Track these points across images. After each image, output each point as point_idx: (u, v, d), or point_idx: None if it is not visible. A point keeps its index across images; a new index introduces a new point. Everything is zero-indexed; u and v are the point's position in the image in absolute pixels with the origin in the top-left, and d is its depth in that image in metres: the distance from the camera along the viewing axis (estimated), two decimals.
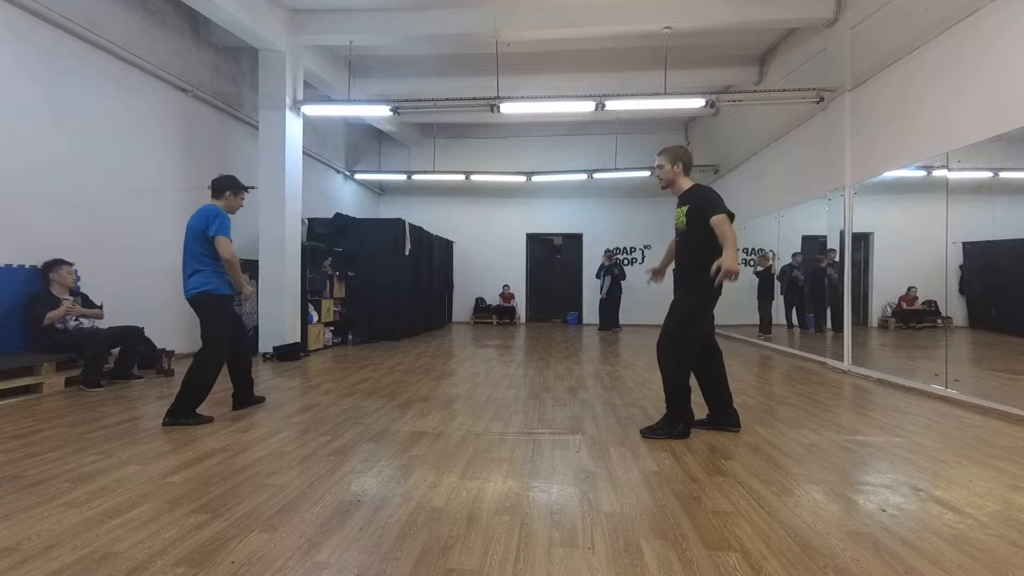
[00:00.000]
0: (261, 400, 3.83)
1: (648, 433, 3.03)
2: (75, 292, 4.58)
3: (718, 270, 2.70)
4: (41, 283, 4.37)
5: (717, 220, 2.82)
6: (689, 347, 3.00)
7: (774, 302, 8.00)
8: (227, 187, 3.47)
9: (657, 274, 3.45)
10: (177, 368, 5.15)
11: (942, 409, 3.83)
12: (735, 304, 9.56)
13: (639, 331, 10.14)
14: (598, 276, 10.54)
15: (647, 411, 3.68)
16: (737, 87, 8.45)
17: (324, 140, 9.79)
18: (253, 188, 6.56)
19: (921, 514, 2.05)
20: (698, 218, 2.92)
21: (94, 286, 4.85)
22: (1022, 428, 3.31)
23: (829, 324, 6.37)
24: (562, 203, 11.97)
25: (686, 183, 3.10)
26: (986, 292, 5.13)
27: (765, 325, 8.08)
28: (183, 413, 3.23)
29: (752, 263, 8.88)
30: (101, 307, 4.66)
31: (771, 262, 7.88)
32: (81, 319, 4.46)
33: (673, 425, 3.03)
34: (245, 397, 3.70)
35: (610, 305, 10.36)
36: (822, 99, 6.12)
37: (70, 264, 4.47)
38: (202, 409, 3.37)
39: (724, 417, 3.21)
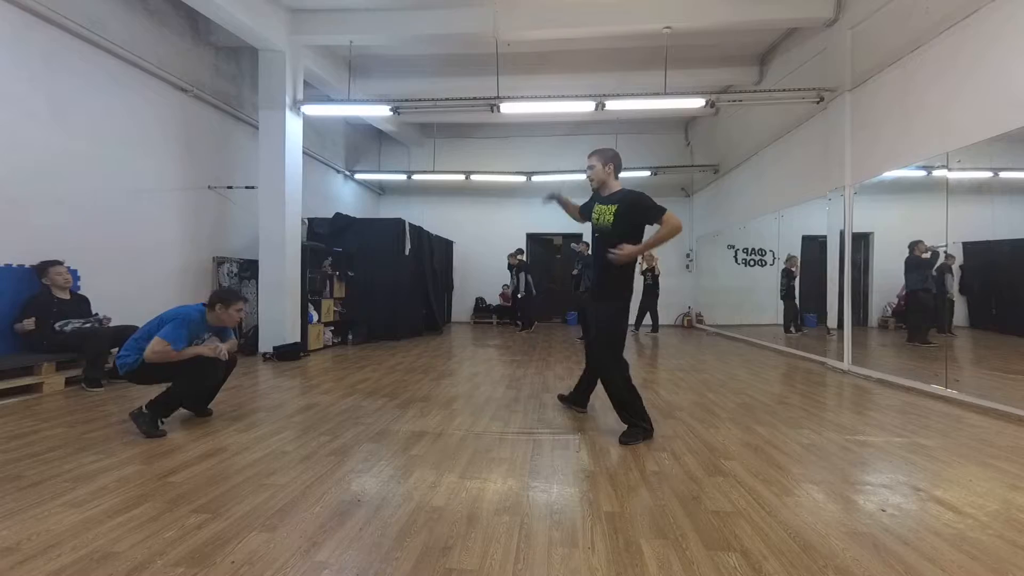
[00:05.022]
0: (209, 413, 3.48)
1: (626, 440, 2.97)
2: (75, 293, 4.58)
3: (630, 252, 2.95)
4: (39, 284, 4.37)
5: (667, 217, 2.90)
6: (621, 347, 3.11)
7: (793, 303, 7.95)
8: (215, 300, 3.23)
9: (559, 199, 3.57)
10: None
11: (942, 409, 3.83)
12: (736, 304, 9.60)
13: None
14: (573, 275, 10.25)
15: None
16: (737, 87, 8.44)
17: (324, 140, 9.80)
18: (252, 188, 6.63)
19: (921, 514, 2.05)
20: (624, 220, 3.02)
21: (94, 286, 4.85)
22: (1022, 428, 3.31)
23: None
24: None
25: (616, 185, 3.18)
26: (986, 292, 5.13)
27: (788, 324, 8.04)
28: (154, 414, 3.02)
29: (753, 263, 8.89)
30: (97, 315, 4.62)
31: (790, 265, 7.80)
32: (77, 321, 4.44)
33: (642, 430, 3.03)
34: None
35: (527, 304, 10.18)
36: (822, 99, 6.12)
37: (60, 263, 4.45)
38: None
39: (582, 399, 3.66)
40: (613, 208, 3.07)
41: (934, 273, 5.40)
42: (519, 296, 10.10)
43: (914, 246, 5.41)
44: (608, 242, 3.05)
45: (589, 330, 3.36)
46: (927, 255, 5.27)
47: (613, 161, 3.17)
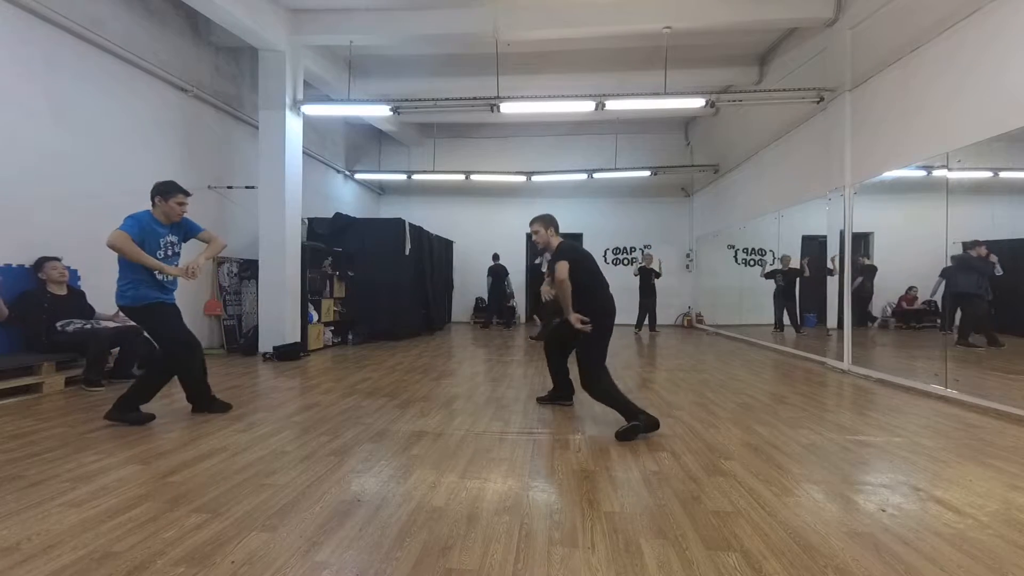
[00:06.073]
0: (226, 407, 3.57)
1: (623, 436, 3.00)
2: (72, 288, 4.59)
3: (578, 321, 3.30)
4: (36, 282, 4.37)
5: (557, 268, 3.32)
6: (601, 364, 3.32)
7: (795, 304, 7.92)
8: (155, 194, 3.33)
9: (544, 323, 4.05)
10: None
11: (942, 409, 3.83)
12: (735, 304, 9.60)
13: (622, 330, 10.12)
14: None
15: (646, 411, 3.67)
16: (737, 87, 8.44)
17: (324, 140, 9.80)
18: (252, 188, 6.63)
19: (921, 514, 2.05)
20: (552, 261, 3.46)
21: (94, 285, 4.84)
22: (1022, 428, 3.31)
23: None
24: (562, 203, 11.94)
25: (555, 241, 3.62)
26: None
27: (779, 322, 8.03)
28: (127, 408, 3.23)
29: (754, 263, 8.89)
30: (97, 317, 4.63)
31: (796, 264, 7.75)
32: (79, 321, 4.44)
33: (636, 426, 3.04)
34: (204, 399, 3.53)
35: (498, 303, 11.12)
36: (822, 99, 6.12)
37: (57, 259, 4.46)
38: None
39: (563, 393, 3.89)
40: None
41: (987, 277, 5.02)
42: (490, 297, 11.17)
43: (970, 246, 4.97)
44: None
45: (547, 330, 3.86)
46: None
47: (552, 224, 3.65)
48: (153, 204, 3.32)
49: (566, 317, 3.35)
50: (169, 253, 3.34)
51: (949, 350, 4.47)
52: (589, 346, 3.30)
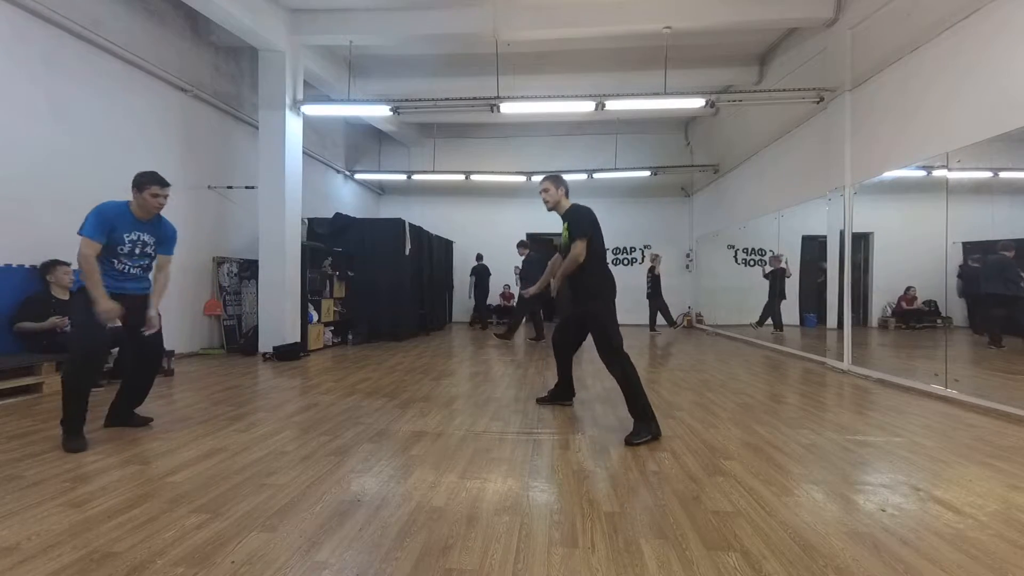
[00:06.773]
0: (145, 422, 3.17)
1: (634, 440, 2.95)
2: (73, 292, 4.58)
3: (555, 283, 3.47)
4: (40, 284, 4.37)
5: (576, 244, 3.24)
6: (620, 345, 3.17)
7: (784, 301, 8.01)
8: (133, 186, 3.05)
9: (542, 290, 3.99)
10: (177, 368, 5.15)
11: (942, 409, 3.83)
12: (735, 304, 9.60)
13: (632, 330, 10.13)
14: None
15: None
16: (737, 87, 8.45)
17: (324, 140, 9.80)
18: (252, 188, 6.63)
19: (921, 514, 2.05)
20: (574, 233, 3.32)
21: None
22: (1022, 428, 3.31)
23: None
24: None
25: (567, 203, 3.52)
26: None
27: (777, 322, 8.11)
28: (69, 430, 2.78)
29: (754, 262, 8.90)
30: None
31: (783, 264, 7.84)
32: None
33: (649, 427, 3.02)
34: (124, 414, 3.14)
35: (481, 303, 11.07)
36: (822, 99, 6.12)
37: (67, 264, 4.46)
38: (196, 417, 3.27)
39: (564, 394, 3.84)
40: (566, 225, 3.41)
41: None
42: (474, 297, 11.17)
43: (1007, 247, 4.77)
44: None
45: (540, 327, 3.86)
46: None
47: (564, 185, 3.55)
48: (134, 196, 3.12)
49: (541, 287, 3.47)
50: (136, 252, 3.08)
51: (950, 350, 4.46)
52: (606, 326, 3.18)
